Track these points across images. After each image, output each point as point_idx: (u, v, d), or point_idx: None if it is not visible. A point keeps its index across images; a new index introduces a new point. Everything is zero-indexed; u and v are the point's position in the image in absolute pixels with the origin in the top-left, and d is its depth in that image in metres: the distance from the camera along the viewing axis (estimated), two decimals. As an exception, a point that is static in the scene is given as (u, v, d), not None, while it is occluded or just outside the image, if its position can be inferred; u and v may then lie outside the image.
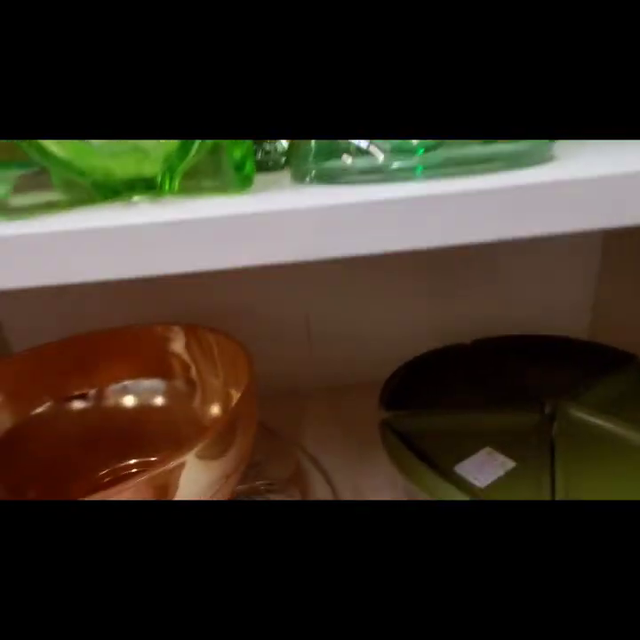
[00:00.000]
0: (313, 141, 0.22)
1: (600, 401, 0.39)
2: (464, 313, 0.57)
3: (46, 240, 0.18)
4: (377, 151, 0.21)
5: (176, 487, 0.28)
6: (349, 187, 0.21)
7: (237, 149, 0.21)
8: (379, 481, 0.45)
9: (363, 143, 0.21)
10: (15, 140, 0.20)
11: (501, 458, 0.35)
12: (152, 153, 0.21)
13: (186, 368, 0.42)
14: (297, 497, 0.41)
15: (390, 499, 0.43)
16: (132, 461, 0.42)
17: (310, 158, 0.23)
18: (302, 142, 0.23)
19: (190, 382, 0.42)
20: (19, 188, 0.21)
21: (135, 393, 0.42)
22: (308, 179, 0.23)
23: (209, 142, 0.21)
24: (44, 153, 0.20)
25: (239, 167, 0.22)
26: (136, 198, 0.23)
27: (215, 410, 0.42)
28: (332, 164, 0.22)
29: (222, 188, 0.22)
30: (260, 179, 0.26)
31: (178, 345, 0.42)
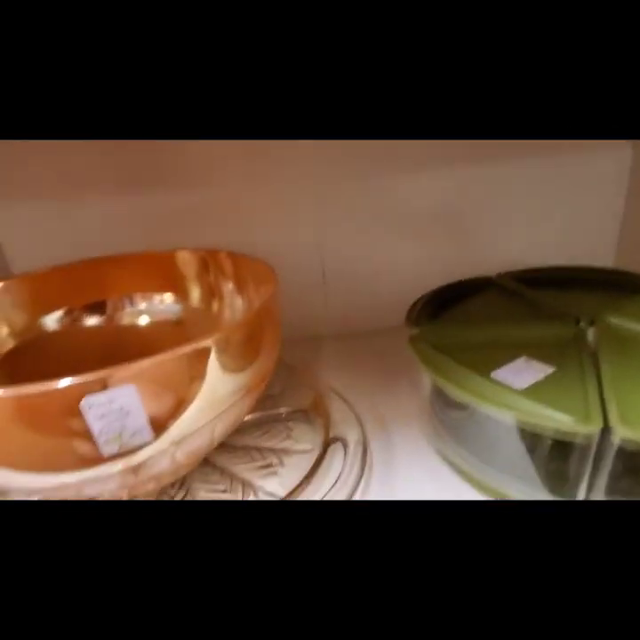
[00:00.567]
0: None
1: (637, 311, 0.37)
2: (483, 250, 0.55)
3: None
4: None
5: (201, 379, 0.26)
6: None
7: None
8: (404, 411, 0.43)
9: None
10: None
11: (539, 365, 0.33)
12: None
13: (209, 290, 0.40)
14: (320, 425, 0.40)
15: (416, 427, 0.41)
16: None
17: None
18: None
19: (210, 304, 0.41)
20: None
21: (150, 313, 0.40)
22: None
23: None
24: None
25: None
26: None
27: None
28: None
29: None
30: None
31: (198, 267, 0.40)
